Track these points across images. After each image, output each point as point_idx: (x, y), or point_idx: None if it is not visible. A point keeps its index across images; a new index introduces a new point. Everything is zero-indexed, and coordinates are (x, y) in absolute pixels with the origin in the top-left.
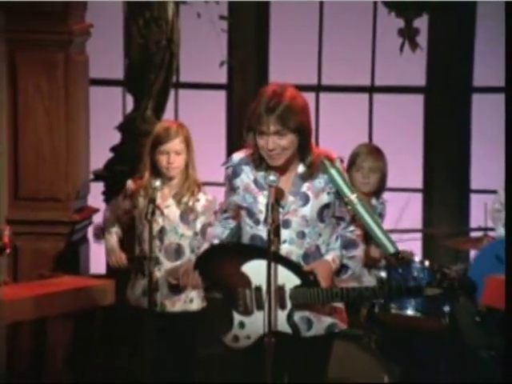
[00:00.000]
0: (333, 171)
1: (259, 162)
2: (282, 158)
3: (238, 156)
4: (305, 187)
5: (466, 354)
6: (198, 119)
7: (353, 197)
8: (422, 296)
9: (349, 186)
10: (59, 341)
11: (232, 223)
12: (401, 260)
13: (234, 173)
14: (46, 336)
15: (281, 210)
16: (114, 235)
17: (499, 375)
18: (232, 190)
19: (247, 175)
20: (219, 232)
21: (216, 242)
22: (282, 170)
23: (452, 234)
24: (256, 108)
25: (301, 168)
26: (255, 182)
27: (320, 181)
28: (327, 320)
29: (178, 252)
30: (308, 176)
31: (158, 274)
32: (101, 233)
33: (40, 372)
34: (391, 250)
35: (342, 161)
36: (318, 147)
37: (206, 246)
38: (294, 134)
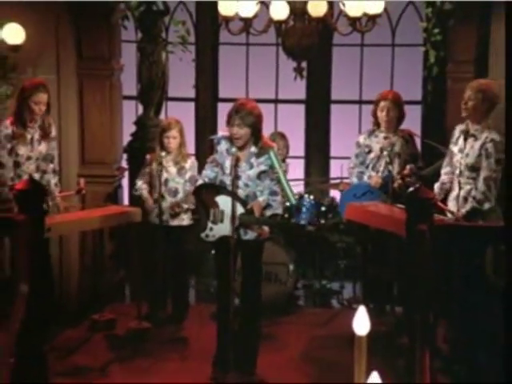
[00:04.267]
0: (272, 154)
1: (232, 140)
2: (240, 141)
3: (220, 133)
4: (253, 159)
5: (331, 246)
6: (180, 118)
7: (279, 170)
8: (304, 230)
9: (279, 163)
10: (110, 243)
11: (216, 169)
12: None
13: (218, 142)
14: (103, 242)
15: (238, 169)
16: (146, 191)
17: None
18: (215, 151)
19: (224, 146)
20: (208, 173)
21: (206, 180)
22: (242, 148)
23: (321, 181)
24: (230, 111)
25: (253, 149)
26: (227, 150)
27: (262, 158)
28: (255, 233)
29: (175, 192)
30: (256, 154)
31: (164, 204)
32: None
33: (101, 259)
34: (293, 201)
35: (283, 137)
36: (267, 139)
37: (200, 181)
38: (249, 128)
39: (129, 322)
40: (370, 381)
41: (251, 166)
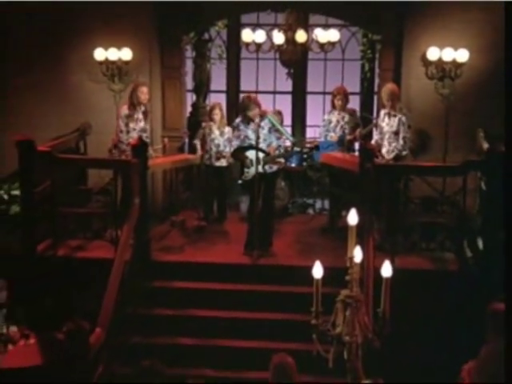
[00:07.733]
0: (269, 117)
1: (246, 120)
2: (256, 118)
3: (237, 119)
4: (263, 123)
5: (310, 178)
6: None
7: (276, 123)
8: (301, 154)
9: (276, 122)
10: (180, 175)
11: (239, 139)
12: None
13: (237, 125)
14: (177, 175)
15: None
16: (199, 144)
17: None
18: (238, 130)
19: (241, 125)
20: (236, 143)
21: (235, 146)
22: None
23: (300, 141)
24: (247, 102)
25: (258, 118)
26: (245, 126)
27: (266, 121)
28: (276, 166)
29: (218, 146)
30: (261, 120)
31: (212, 153)
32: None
33: (175, 185)
34: (291, 139)
35: (279, 113)
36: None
37: (232, 148)
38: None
39: (193, 221)
40: (355, 251)
41: (263, 128)
